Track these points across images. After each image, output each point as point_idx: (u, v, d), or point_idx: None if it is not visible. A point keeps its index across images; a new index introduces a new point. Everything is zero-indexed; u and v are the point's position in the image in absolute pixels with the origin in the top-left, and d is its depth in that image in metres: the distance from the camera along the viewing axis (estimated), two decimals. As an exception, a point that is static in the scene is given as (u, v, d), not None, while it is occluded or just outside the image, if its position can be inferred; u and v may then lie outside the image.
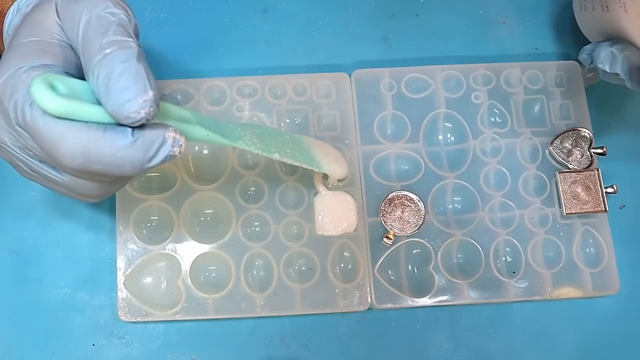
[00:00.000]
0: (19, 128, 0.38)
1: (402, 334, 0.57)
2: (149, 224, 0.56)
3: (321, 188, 0.57)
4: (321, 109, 0.60)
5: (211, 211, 0.57)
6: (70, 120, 0.36)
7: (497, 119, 0.61)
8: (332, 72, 0.60)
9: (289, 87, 0.60)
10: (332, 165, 0.54)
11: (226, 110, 0.59)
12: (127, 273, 0.55)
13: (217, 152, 0.58)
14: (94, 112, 0.36)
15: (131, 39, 0.38)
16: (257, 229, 0.57)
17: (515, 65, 0.61)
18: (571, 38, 0.64)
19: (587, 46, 0.56)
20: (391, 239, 0.56)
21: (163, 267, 0.56)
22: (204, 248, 0.56)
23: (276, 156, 0.48)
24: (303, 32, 0.63)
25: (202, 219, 0.57)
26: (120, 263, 0.55)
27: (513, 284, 0.57)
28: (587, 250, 0.58)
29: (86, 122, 0.37)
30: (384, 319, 0.57)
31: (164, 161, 0.39)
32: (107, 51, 0.37)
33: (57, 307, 0.56)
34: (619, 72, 0.52)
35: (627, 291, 0.58)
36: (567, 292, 0.57)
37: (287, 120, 0.59)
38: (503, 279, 0.57)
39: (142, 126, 0.37)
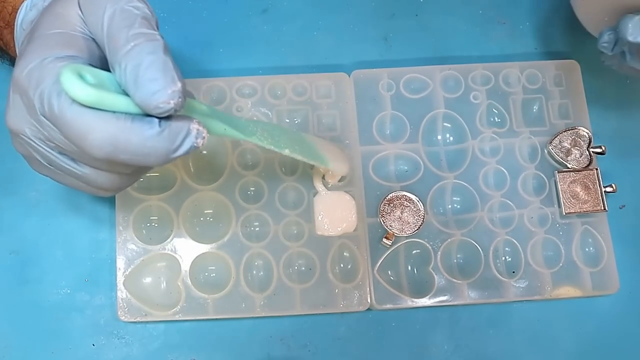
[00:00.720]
0: (43, 118, 0.39)
1: (402, 334, 0.57)
2: (148, 224, 0.56)
3: (321, 188, 0.57)
4: (321, 109, 0.60)
5: (211, 211, 0.57)
6: (99, 110, 0.37)
7: (496, 118, 0.61)
8: (332, 72, 0.61)
9: (289, 87, 0.60)
10: (336, 162, 0.54)
11: (226, 110, 0.59)
12: (127, 273, 0.55)
13: (216, 152, 0.58)
14: (122, 103, 0.37)
15: (156, 32, 0.38)
16: (257, 229, 0.57)
17: (514, 65, 0.62)
18: (570, 38, 0.64)
19: (605, 28, 0.52)
20: (390, 240, 0.57)
21: (163, 267, 0.56)
22: (203, 248, 0.56)
23: (286, 152, 0.49)
24: (303, 32, 0.63)
25: (201, 219, 0.57)
26: (120, 263, 0.55)
27: (513, 283, 0.57)
28: (587, 249, 0.58)
29: (114, 112, 0.37)
30: (383, 319, 0.57)
31: (188, 152, 0.39)
32: (134, 43, 0.37)
33: (57, 307, 0.56)
34: None
35: (626, 290, 0.58)
36: (567, 291, 0.57)
37: (287, 120, 0.59)
38: (503, 278, 0.57)
39: (168, 117, 0.38)
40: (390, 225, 0.57)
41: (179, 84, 0.37)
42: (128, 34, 0.37)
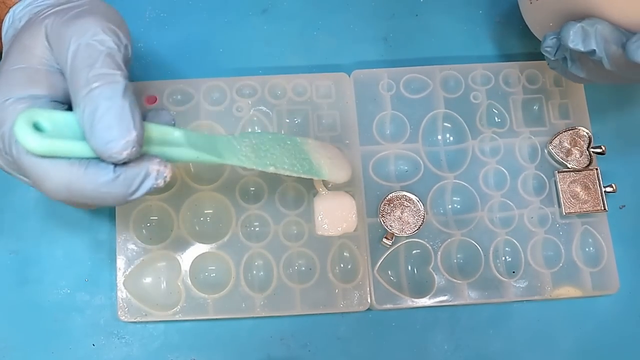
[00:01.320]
0: (7, 157, 0.40)
1: (402, 334, 0.57)
2: (148, 224, 0.57)
3: (321, 188, 0.57)
4: (321, 109, 0.60)
5: (211, 211, 0.57)
6: (54, 157, 0.37)
7: (496, 118, 0.61)
8: (332, 72, 0.61)
9: (289, 87, 0.60)
10: (335, 170, 0.54)
11: (226, 110, 0.59)
12: (127, 273, 0.55)
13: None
14: (76, 149, 0.37)
15: (119, 72, 0.38)
16: (257, 229, 0.57)
17: (514, 65, 0.62)
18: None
19: (549, 32, 0.52)
20: (390, 240, 0.57)
21: (163, 267, 0.56)
22: (203, 248, 0.56)
23: (271, 169, 0.48)
24: (303, 32, 0.63)
25: (201, 219, 0.57)
26: (120, 263, 0.55)
27: (513, 283, 0.57)
28: (587, 249, 0.59)
29: (69, 158, 0.37)
30: (383, 319, 0.57)
31: (148, 192, 0.39)
32: (93, 86, 0.37)
33: (57, 307, 0.56)
34: (594, 47, 0.46)
35: (626, 290, 0.59)
36: (567, 291, 0.57)
37: (287, 121, 0.59)
38: (503, 278, 0.57)
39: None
40: (390, 225, 0.57)
41: (134, 134, 0.36)
42: (88, 75, 0.37)
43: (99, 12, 0.40)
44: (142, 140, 0.37)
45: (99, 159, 0.38)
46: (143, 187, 0.39)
